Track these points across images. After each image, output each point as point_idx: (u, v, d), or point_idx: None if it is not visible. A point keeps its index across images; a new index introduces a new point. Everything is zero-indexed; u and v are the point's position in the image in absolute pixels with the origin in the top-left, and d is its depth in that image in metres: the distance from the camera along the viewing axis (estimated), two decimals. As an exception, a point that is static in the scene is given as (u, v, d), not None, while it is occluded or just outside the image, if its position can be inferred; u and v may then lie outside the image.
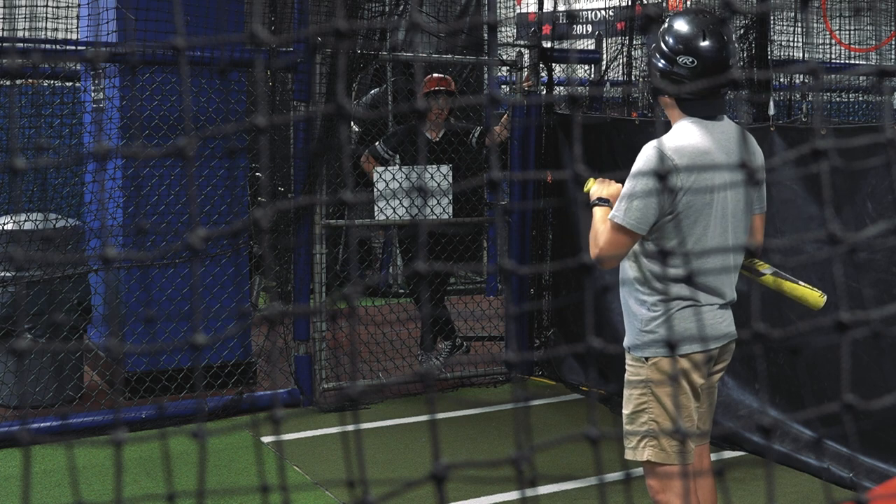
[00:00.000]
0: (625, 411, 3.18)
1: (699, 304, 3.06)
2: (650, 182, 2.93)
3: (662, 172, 2.79)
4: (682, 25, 3.03)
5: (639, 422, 3.12)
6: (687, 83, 2.97)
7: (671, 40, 3.03)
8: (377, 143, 6.81)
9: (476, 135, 6.77)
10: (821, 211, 4.68)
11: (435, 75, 6.84)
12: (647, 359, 3.10)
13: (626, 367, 3.18)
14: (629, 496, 1.10)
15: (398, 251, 7.03)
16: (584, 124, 6.01)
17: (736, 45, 3.12)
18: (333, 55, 5.88)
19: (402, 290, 8.97)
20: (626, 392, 3.19)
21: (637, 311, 3.11)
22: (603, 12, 10.36)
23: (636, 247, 3.05)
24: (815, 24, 8.75)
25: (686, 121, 3.06)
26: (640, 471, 4.65)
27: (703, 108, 3.05)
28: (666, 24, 3.08)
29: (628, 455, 3.15)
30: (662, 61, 3.04)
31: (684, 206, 2.96)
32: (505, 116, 6.85)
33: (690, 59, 2.99)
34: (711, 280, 3.08)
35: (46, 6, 5.66)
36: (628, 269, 3.16)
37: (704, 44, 2.99)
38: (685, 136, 3.01)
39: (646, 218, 2.94)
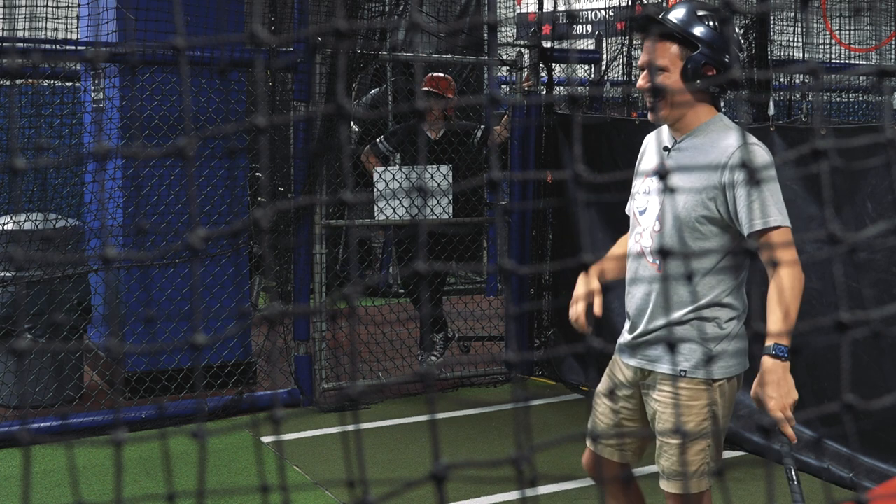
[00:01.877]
0: (674, 441, 2.86)
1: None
2: (774, 177, 2.80)
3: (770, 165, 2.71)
4: (725, 22, 2.88)
5: (696, 449, 2.85)
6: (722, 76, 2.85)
7: (733, 34, 2.94)
8: (378, 140, 6.82)
9: (478, 134, 6.77)
10: (821, 211, 4.68)
11: (434, 74, 6.84)
12: (714, 380, 2.85)
13: (678, 392, 2.86)
14: (629, 496, 1.10)
15: (395, 252, 7.04)
16: (584, 124, 6.01)
17: None
18: (333, 55, 5.88)
19: (402, 291, 8.97)
20: (674, 420, 2.87)
21: (705, 329, 2.82)
22: (603, 12, 10.36)
23: (725, 261, 2.84)
24: (815, 24, 8.75)
25: (720, 116, 2.92)
26: (641, 471, 4.65)
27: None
28: (715, 18, 2.87)
29: (675, 488, 2.88)
30: (728, 58, 2.84)
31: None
32: (505, 116, 6.85)
33: (735, 52, 2.93)
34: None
35: (46, 6, 5.66)
36: (703, 286, 2.84)
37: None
38: (743, 130, 2.90)
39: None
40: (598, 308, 2.96)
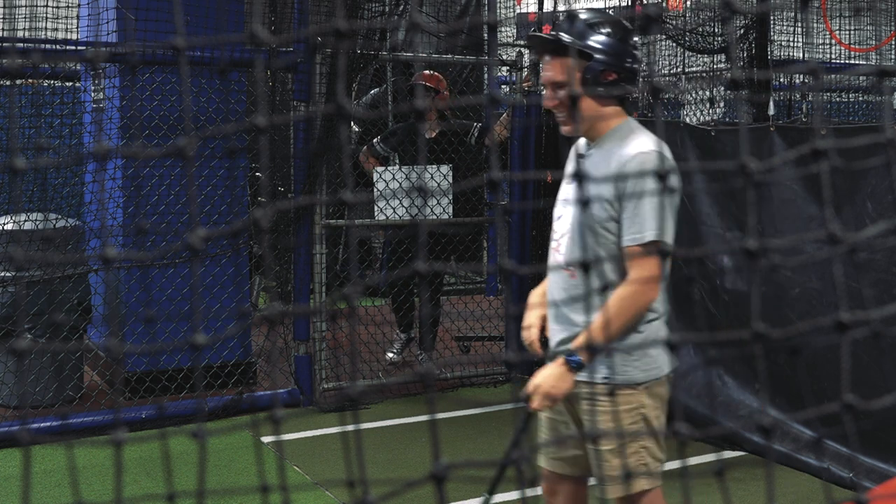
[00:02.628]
0: (606, 447, 2.85)
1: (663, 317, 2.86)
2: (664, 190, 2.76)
3: (664, 174, 2.73)
4: (620, 23, 2.88)
5: (628, 452, 2.84)
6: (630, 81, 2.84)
7: (629, 37, 2.86)
8: (375, 141, 6.83)
9: (475, 133, 6.77)
10: (821, 211, 4.68)
11: (425, 72, 6.86)
12: (638, 384, 2.80)
13: (601, 398, 2.85)
14: (629, 496, 1.10)
15: (393, 251, 7.04)
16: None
17: None
18: (333, 55, 5.88)
19: (390, 289, 8.97)
20: (603, 427, 2.85)
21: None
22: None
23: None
24: (815, 24, 8.75)
25: (630, 120, 2.89)
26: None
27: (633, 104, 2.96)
28: (608, 22, 2.86)
29: (617, 493, 2.86)
30: (628, 60, 2.84)
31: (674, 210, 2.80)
32: (505, 115, 6.85)
33: (640, 54, 2.89)
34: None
35: (46, 6, 5.66)
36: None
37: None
38: (651, 135, 2.83)
39: (672, 229, 2.76)
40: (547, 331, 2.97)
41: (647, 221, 2.68)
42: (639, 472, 2.83)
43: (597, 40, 2.83)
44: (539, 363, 2.87)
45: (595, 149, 2.87)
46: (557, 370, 2.71)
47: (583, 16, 2.89)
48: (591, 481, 3.02)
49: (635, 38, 2.89)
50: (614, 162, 2.77)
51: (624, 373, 2.79)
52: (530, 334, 3.01)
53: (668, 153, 2.73)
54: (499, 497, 4.20)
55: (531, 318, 3.03)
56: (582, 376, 2.78)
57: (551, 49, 2.87)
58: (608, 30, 2.85)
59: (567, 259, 2.89)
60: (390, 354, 6.83)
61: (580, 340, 2.75)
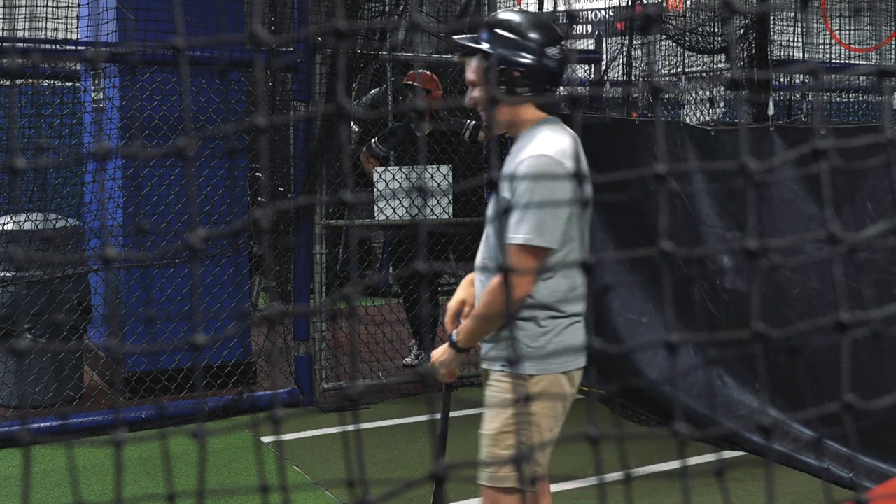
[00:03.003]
0: (486, 431, 2.92)
1: (578, 318, 2.89)
2: (553, 191, 2.73)
3: (558, 178, 2.72)
4: (532, 19, 2.89)
5: (503, 444, 2.85)
6: (549, 78, 2.82)
7: (536, 33, 2.83)
8: (373, 142, 6.83)
9: (469, 130, 6.76)
10: (821, 211, 4.68)
11: (415, 72, 6.86)
12: (530, 375, 2.86)
13: (493, 383, 2.94)
14: (629, 496, 1.10)
15: (395, 251, 7.06)
16: (584, 124, 6.01)
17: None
18: (333, 55, 5.88)
19: (401, 291, 8.97)
20: (489, 411, 2.93)
21: (524, 327, 2.86)
22: (603, 12, 10.37)
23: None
24: (815, 24, 8.75)
25: (545, 121, 2.89)
26: (641, 471, 4.66)
27: (556, 106, 2.89)
28: (511, 21, 2.87)
29: (483, 480, 2.90)
30: (529, 56, 2.82)
31: (570, 214, 2.78)
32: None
33: (558, 50, 2.84)
34: (577, 292, 2.89)
35: (46, 6, 5.66)
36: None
37: (559, 36, 2.88)
38: (554, 135, 2.82)
39: (560, 235, 2.77)
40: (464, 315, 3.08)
41: (523, 225, 2.74)
42: (497, 462, 2.87)
43: (492, 37, 2.85)
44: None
45: (512, 148, 2.94)
46: (443, 347, 2.97)
47: (498, 17, 2.94)
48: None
49: (552, 37, 2.84)
50: (511, 164, 2.84)
51: (511, 359, 2.87)
52: (446, 320, 3.12)
53: (567, 159, 2.73)
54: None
55: (452, 300, 3.14)
56: (484, 364, 2.96)
57: (464, 50, 2.92)
58: (510, 28, 2.86)
59: (480, 255, 3.02)
60: (408, 360, 6.82)
61: (462, 324, 2.95)
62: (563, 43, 2.87)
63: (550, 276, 2.82)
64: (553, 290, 2.83)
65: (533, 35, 2.84)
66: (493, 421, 2.91)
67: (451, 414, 5.99)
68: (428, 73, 6.89)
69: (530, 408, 2.87)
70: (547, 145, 2.78)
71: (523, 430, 2.85)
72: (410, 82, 6.72)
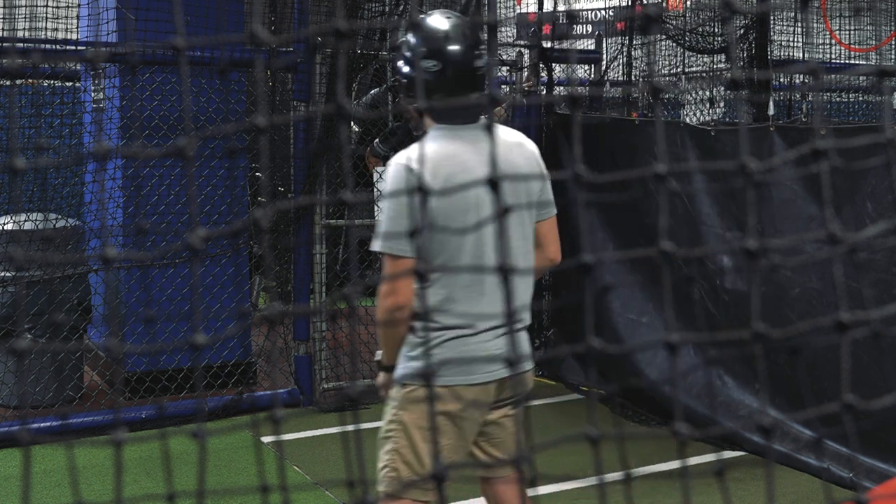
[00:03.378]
0: (379, 435, 2.96)
1: (465, 332, 2.79)
2: (401, 200, 2.73)
3: (410, 186, 2.70)
4: (427, 26, 2.82)
5: (385, 448, 2.86)
6: (432, 89, 2.78)
7: (414, 42, 2.82)
8: (375, 142, 6.84)
9: None
10: (821, 211, 4.68)
11: None
12: (403, 385, 2.85)
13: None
14: (629, 496, 1.10)
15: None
16: (584, 124, 6.01)
17: (482, 46, 2.85)
18: (333, 55, 5.88)
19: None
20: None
21: (410, 337, 2.86)
22: (603, 12, 10.37)
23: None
24: (815, 24, 8.75)
25: (434, 129, 2.85)
26: (640, 471, 4.66)
27: (452, 114, 2.81)
28: (416, 27, 2.88)
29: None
30: (406, 66, 2.84)
31: (436, 220, 2.73)
32: (501, 108, 6.84)
33: (434, 63, 2.76)
34: (473, 306, 2.79)
35: (46, 6, 5.66)
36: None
37: (450, 46, 2.76)
38: (430, 144, 2.79)
39: (407, 239, 2.73)
40: None
41: (377, 232, 2.76)
42: (381, 474, 2.82)
43: (396, 54, 2.93)
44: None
45: None
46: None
47: (416, 21, 2.98)
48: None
49: (433, 49, 2.77)
50: None
51: (401, 369, 2.87)
52: None
53: (419, 165, 2.71)
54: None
55: None
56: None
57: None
58: (408, 36, 2.90)
59: None
60: None
61: None
62: (451, 57, 2.76)
63: (429, 286, 2.76)
64: (430, 301, 2.77)
65: (415, 45, 2.83)
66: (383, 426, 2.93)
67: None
68: None
69: (402, 416, 2.84)
70: (404, 154, 2.79)
71: (394, 437, 2.84)
72: None
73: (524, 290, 2.93)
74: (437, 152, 2.77)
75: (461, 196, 2.69)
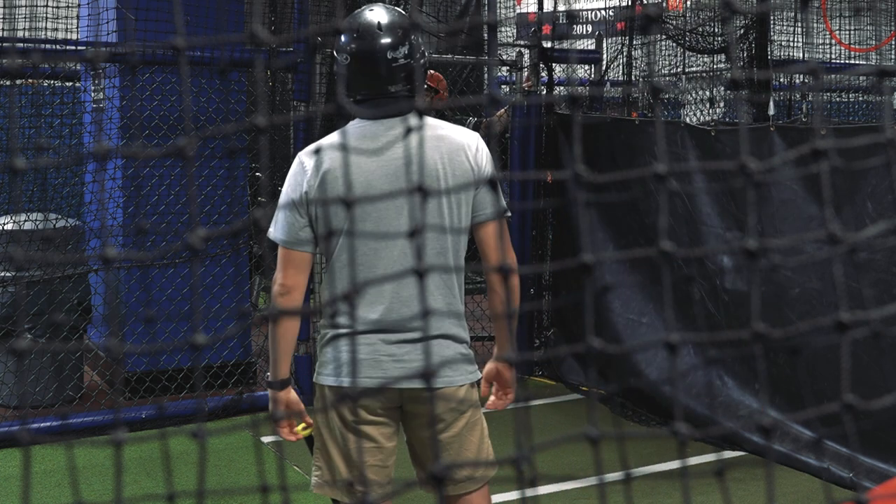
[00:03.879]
0: None
1: (353, 330, 2.72)
2: (287, 189, 2.77)
3: (295, 175, 2.75)
4: (346, 21, 2.86)
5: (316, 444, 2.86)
6: (348, 82, 2.76)
7: (343, 38, 2.80)
8: None
9: (469, 126, 6.76)
10: (821, 211, 4.68)
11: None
12: (314, 381, 2.83)
13: None
14: (629, 496, 1.10)
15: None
16: (584, 124, 6.01)
17: (404, 39, 2.75)
18: (333, 55, 5.88)
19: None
20: None
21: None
22: (603, 12, 10.37)
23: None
24: (815, 24, 8.75)
25: (350, 123, 2.84)
26: (640, 471, 4.66)
27: (365, 108, 2.76)
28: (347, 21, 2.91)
29: None
30: (336, 57, 2.85)
31: (317, 217, 2.72)
32: (503, 111, 6.85)
33: (345, 57, 2.76)
34: (373, 310, 2.69)
35: (46, 6, 5.66)
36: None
37: (355, 41, 2.74)
38: (332, 137, 2.78)
39: (291, 230, 2.71)
40: None
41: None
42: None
43: None
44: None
45: None
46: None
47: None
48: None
49: (342, 45, 2.78)
50: None
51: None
52: None
53: (307, 158, 2.76)
54: (499, 497, 4.20)
55: None
56: None
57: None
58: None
59: None
60: None
61: None
62: (354, 51, 2.75)
63: (323, 283, 2.78)
64: (322, 297, 2.79)
65: (340, 39, 2.81)
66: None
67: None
68: (437, 74, 6.89)
69: (318, 420, 2.83)
70: (307, 149, 2.89)
71: (318, 436, 2.82)
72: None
73: (438, 293, 2.74)
74: (321, 142, 2.80)
75: (337, 192, 2.68)
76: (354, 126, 2.80)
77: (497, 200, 2.77)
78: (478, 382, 2.86)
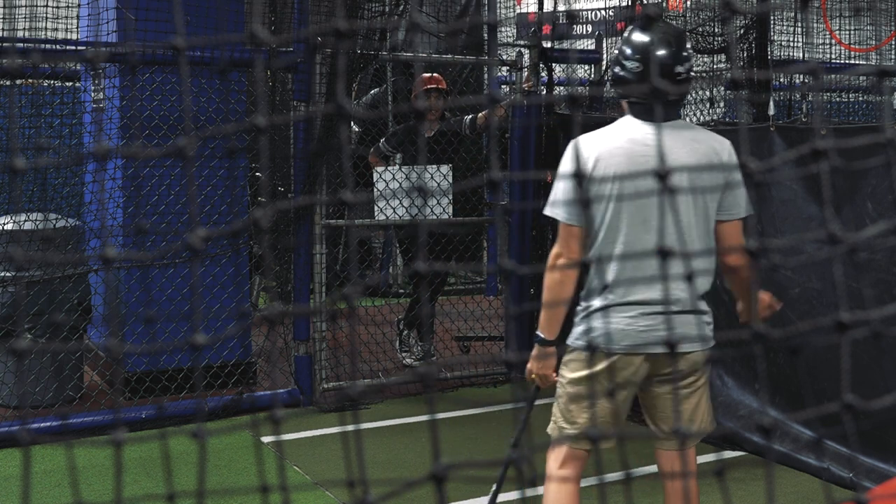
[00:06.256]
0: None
1: (612, 307, 3.11)
2: (568, 175, 3.11)
3: (577, 164, 3.05)
4: (636, 35, 3.18)
5: (556, 397, 3.31)
6: (632, 85, 3.12)
7: (623, 46, 3.18)
8: (381, 142, 6.85)
9: (467, 124, 6.75)
10: (821, 211, 4.68)
11: (425, 75, 6.84)
12: (569, 348, 3.27)
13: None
14: (629, 496, 1.10)
15: (398, 251, 7.08)
16: (584, 124, 6.01)
17: (689, 56, 3.19)
18: (333, 55, 5.88)
19: (401, 291, 8.98)
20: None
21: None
22: (603, 12, 10.37)
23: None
24: (815, 24, 8.75)
25: (623, 118, 3.21)
26: (639, 471, 4.65)
27: (646, 109, 3.14)
28: (626, 34, 3.25)
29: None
30: (616, 66, 3.20)
31: (597, 199, 3.11)
32: (503, 110, 6.84)
33: (636, 64, 3.12)
34: (630, 285, 3.10)
35: (46, 6, 5.66)
36: None
37: (655, 51, 3.10)
38: (609, 130, 3.16)
39: (574, 210, 3.08)
40: None
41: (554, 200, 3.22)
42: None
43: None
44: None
45: None
46: (535, 351, 3.27)
47: None
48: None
49: (625, 46, 3.20)
50: None
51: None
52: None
53: (581, 143, 3.16)
54: (499, 497, 4.20)
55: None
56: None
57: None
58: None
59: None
60: (409, 360, 6.82)
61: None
62: (654, 59, 3.12)
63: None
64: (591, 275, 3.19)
65: (622, 46, 3.22)
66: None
67: (451, 414, 5.98)
68: (435, 75, 6.89)
69: (563, 374, 3.32)
70: (587, 134, 3.24)
71: (557, 392, 3.30)
72: (434, 86, 6.68)
73: (703, 278, 3.12)
74: (609, 139, 3.14)
75: (614, 185, 3.07)
76: (631, 123, 3.16)
77: (745, 201, 3.11)
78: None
